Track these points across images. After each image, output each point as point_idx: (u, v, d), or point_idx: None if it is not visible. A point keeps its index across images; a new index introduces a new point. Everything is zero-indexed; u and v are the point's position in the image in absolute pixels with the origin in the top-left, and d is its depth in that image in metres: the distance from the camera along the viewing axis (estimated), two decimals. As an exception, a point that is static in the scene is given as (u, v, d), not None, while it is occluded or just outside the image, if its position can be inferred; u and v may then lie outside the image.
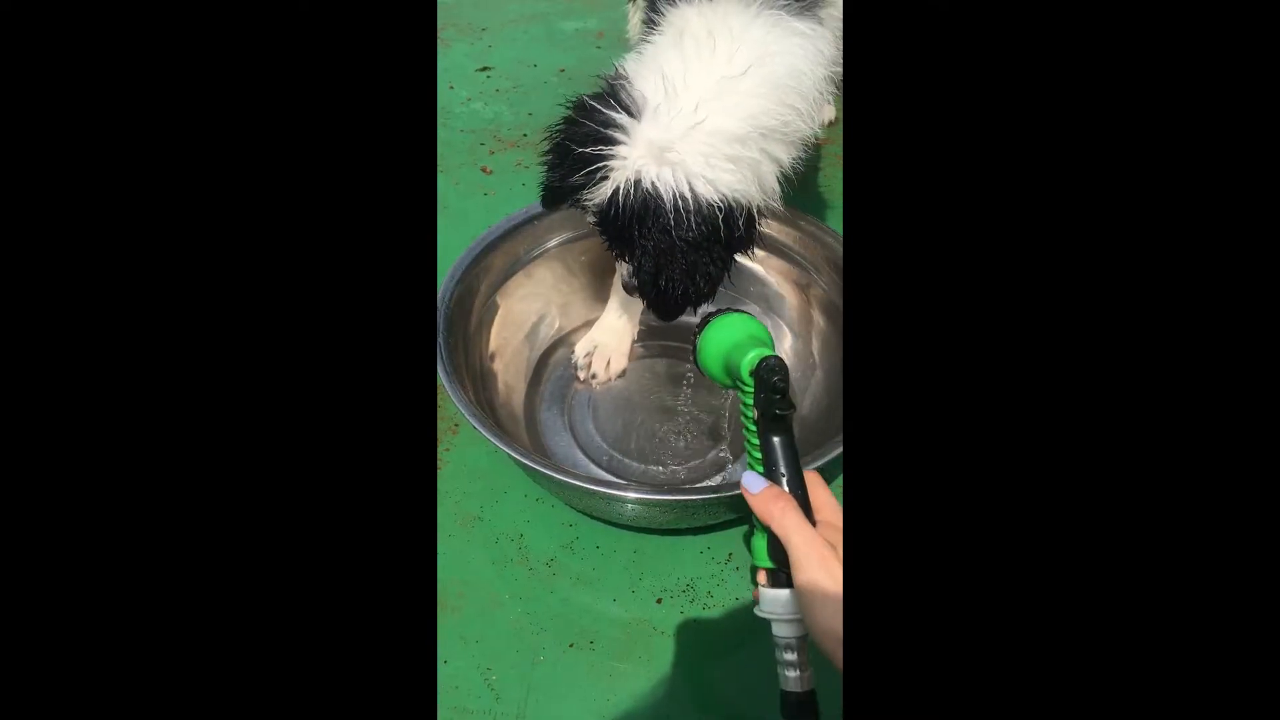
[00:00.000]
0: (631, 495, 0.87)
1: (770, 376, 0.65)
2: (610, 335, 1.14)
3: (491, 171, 1.49)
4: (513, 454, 0.86)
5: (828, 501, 0.67)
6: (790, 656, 0.66)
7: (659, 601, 0.92)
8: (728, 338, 0.71)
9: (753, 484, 0.67)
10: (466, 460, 1.05)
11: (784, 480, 0.66)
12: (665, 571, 0.95)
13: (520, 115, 1.62)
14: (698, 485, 1.01)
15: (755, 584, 0.68)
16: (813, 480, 0.68)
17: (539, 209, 1.11)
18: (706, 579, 0.94)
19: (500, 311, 1.12)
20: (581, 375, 1.13)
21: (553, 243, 1.15)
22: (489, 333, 1.10)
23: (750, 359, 0.67)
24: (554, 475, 0.86)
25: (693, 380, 1.10)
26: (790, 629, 0.65)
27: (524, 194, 1.40)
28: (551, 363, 1.16)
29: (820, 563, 0.59)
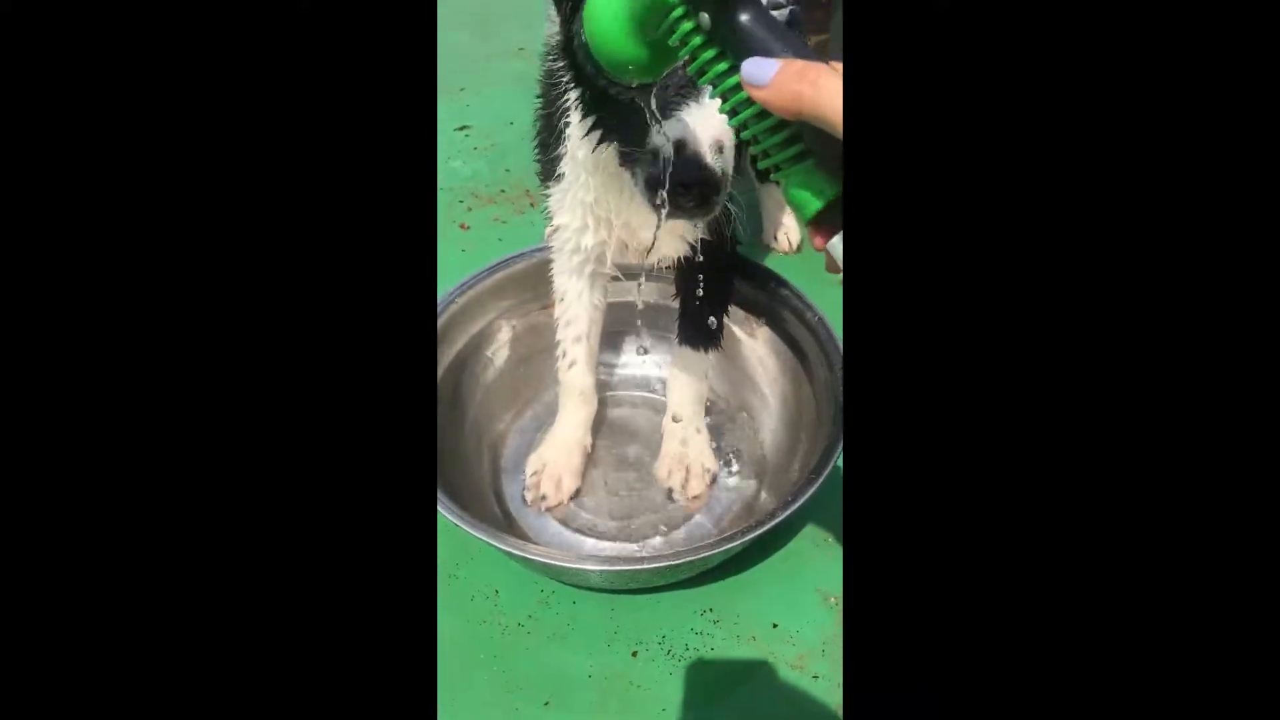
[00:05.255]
0: (594, 569, 0.88)
1: None
2: (560, 450, 1.07)
3: (469, 227, 1.51)
4: (474, 532, 0.87)
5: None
6: None
7: (635, 655, 0.92)
8: None
9: (760, 70, 0.46)
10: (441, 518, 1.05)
11: (793, 56, 0.46)
12: (641, 624, 0.94)
13: (498, 172, 1.65)
14: (663, 554, 0.98)
15: (823, 248, 0.49)
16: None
17: (510, 261, 1.14)
18: (683, 631, 0.93)
19: (466, 370, 1.12)
20: (529, 498, 1.06)
21: (515, 300, 1.17)
22: (455, 392, 1.10)
23: None
24: (515, 553, 0.87)
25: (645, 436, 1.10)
26: None
27: (500, 248, 1.41)
28: (516, 428, 1.16)
29: None
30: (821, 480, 0.90)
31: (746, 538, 0.88)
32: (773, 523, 0.87)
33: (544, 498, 1.05)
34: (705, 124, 0.67)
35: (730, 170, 0.70)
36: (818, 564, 0.99)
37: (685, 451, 1.06)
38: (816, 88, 0.44)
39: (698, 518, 1.04)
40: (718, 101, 0.50)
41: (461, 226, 1.51)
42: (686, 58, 0.49)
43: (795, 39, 0.47)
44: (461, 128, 1.78)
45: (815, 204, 0.47)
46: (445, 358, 1.09)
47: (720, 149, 0.68)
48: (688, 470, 1.05)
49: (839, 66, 0.46)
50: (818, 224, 0.48)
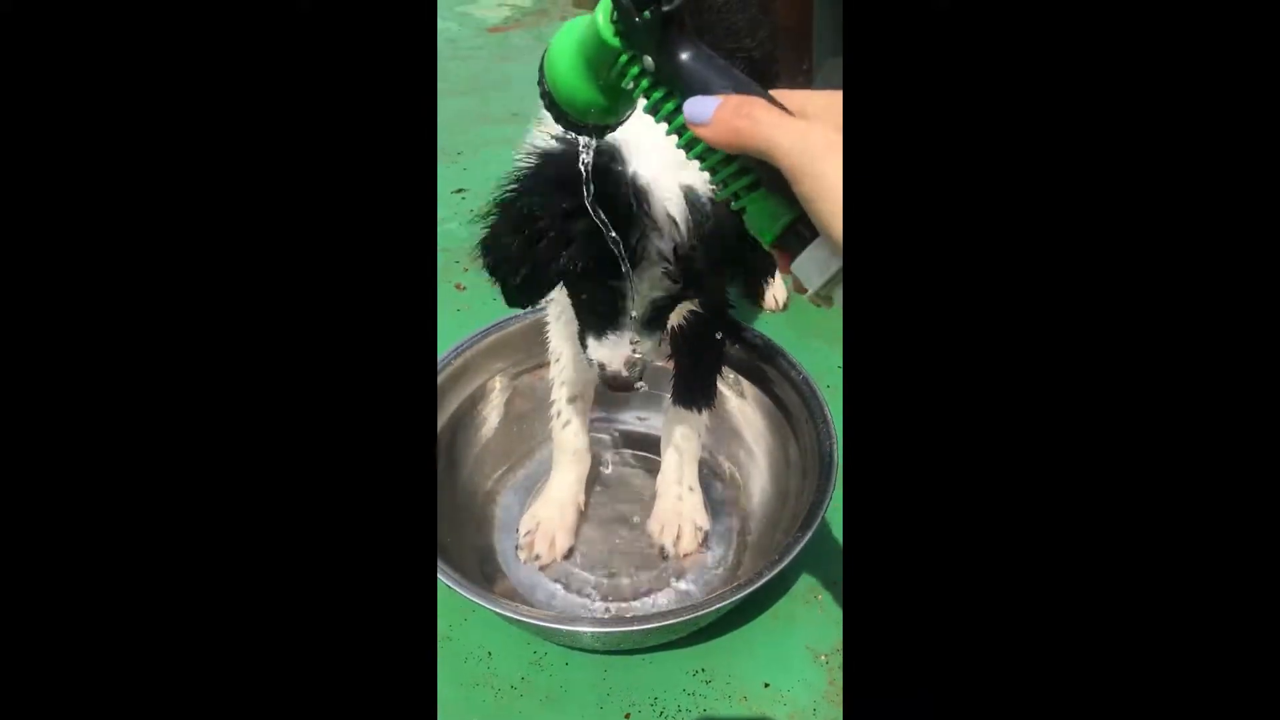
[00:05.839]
0: (587, 630, 0.89)
1: None
2: (554, 509, 1.08)
3: (465, 288, 1.54)
4: (466, 594, 0.88)
5: (808, 98, 0.49)
6: None
7: (627, 717, 0.92)
8: (570, 32, 0.54)
9: (700, 108, 0.48)
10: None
11: (731, 92, 0.48)
12: (633, 685, 0.94)
13: (493, 233, 1.69)
14: (655, 614, 1.00)
15: (789, 271, 0.50)
16: (778, 93, 0.49)
17: (504, 323, 1.16)
18: (675, 691, 0.94)
19: (461, 427, 1.14)
20: (523, 557, 1.07)
21: (510, 361, 1.19)
22: (451, 449, 1.12)
23: (602, 3, 0.50)
24: (509, 615, 0.88)
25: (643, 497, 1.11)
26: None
27: (495, 308, 1.44)
28: (510, 486, 1.17)
29: (826, 149, 0.43)
30: (809, 537, 0.91)
31: (737, 595, 0.88)
32: (762, 580, 0.88)
33: (537, 557, 1.06)
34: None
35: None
36: (808, 621, 1.00)
37: (678, 509, 1.07)
38: (753, 121, 0.46)
39: (690, 576, 1.05)
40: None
41: (458, 287, 1.54)
42: (640, 99, 0.52)
43: (735, 73, 0.50)
44: (458, 190, 1.82)
45: (772, 230, 0.49)
46: (441, 417, 1.11)
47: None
48: (680, 528, 1.06)
49: (792, 98, 0.49)
50: (779, 248, 0.50)
